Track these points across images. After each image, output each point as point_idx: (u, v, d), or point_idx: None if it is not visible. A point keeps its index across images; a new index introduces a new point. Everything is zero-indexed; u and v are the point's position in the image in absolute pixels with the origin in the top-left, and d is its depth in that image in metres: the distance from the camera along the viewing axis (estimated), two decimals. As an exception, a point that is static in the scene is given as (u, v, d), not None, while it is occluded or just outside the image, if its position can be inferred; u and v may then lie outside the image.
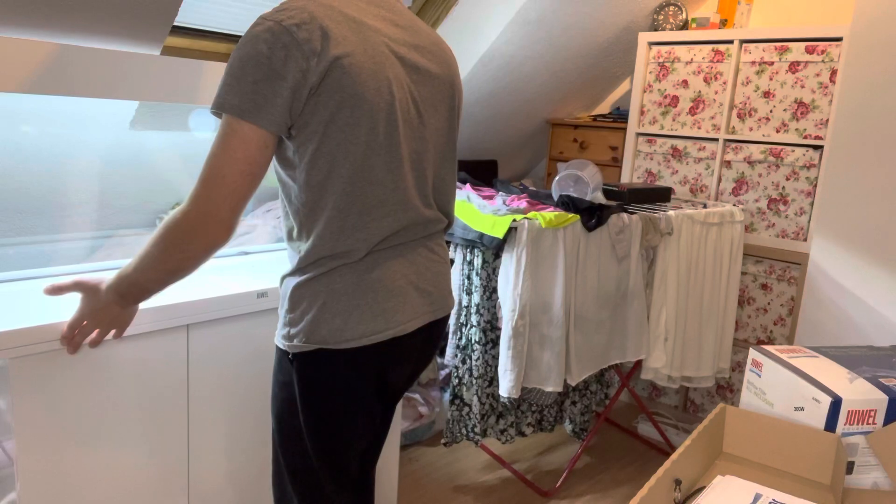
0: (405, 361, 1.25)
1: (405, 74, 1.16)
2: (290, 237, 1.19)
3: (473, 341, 2.13)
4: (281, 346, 1.20)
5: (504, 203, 2.19)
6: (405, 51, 1.17)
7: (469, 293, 2.16)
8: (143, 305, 1.40)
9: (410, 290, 1.20)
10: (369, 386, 1.21)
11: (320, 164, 1.09)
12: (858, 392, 1.00)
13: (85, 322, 1.23)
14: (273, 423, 1.27)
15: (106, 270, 1.68)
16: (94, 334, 1.26)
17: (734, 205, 2.67)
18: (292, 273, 1.18)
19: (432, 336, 1.30)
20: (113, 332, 1.28)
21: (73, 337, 1.24)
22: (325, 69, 1.04)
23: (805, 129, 2.54)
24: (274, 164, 1.15)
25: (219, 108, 1.04)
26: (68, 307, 1.36)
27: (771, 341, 2.71)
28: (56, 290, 1.20)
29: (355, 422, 1.22)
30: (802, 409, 1.03)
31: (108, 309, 1.22)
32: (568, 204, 2.14)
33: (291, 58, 1.03)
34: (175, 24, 2.05)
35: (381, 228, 1.15)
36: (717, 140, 2.76)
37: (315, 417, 1.20)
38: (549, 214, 1.99)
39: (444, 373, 2.79)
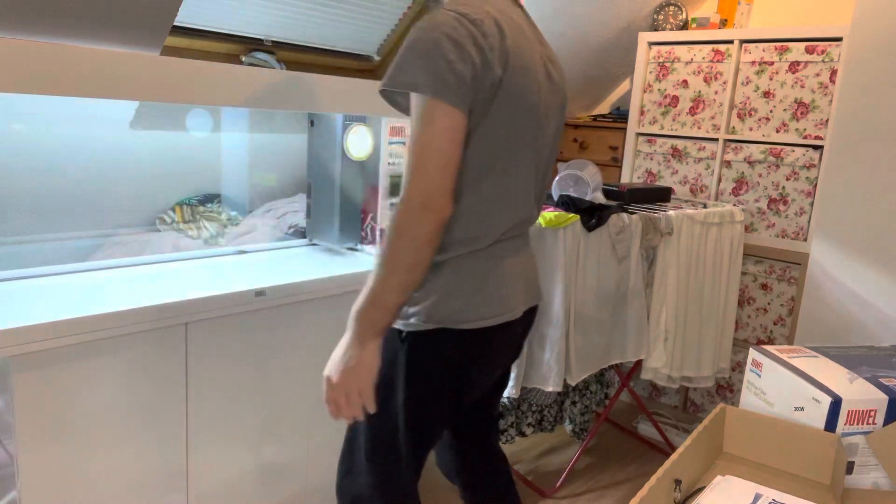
0: (509, 347, 1.33)
1: (545, 81, 1.25)
2: (461, 214, 1.21)
3: (473, 341, 2.13)
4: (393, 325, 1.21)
5: (504, 203, 2.19)
6: (545, 60, 1.27)
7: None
8: (141, 304, 1.40)
9: (521, 278, 1.28)
10: (475, 369, 1.26)
11: (478, 152, 1.15)
12: (858, 392, 1.00)
13: (335, 386, 1.13)
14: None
15: (106, 270, 1.68)
16: (346, 396, 1.13)
17: (734, 205, 2.66)
18: (465, 255, 1.21)
19: (529, 322, 1.39)
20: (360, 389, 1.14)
21: (339, 410, 1.16)
22: (502, 64, 1.12)
23: (805, 129, 2.54)
24: None
25: (412, 88, 1.06)
26: (69, 307, 1.36)
27: (771, 341, 2.71)
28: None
29: (450, 404, 1.26)
30: (802, 409, 1.03)
31: (348, 354, 1.12)
32: (568, 204, 2.14)
33: (477, 47, 1.09)
34: (175, 24, 2.05)
35: (508, 220, 1.22)
36: (717, 140, 2.76)
37: (417, 396, 1.23)
38: (549, 214, 1.99)
39: (443, 373, 2.78)
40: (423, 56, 1.07)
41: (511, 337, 1.30)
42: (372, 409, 1.14)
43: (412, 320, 1.20)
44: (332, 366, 1.12)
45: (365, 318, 1.09)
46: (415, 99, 1.08)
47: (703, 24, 2.85)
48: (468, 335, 1.21)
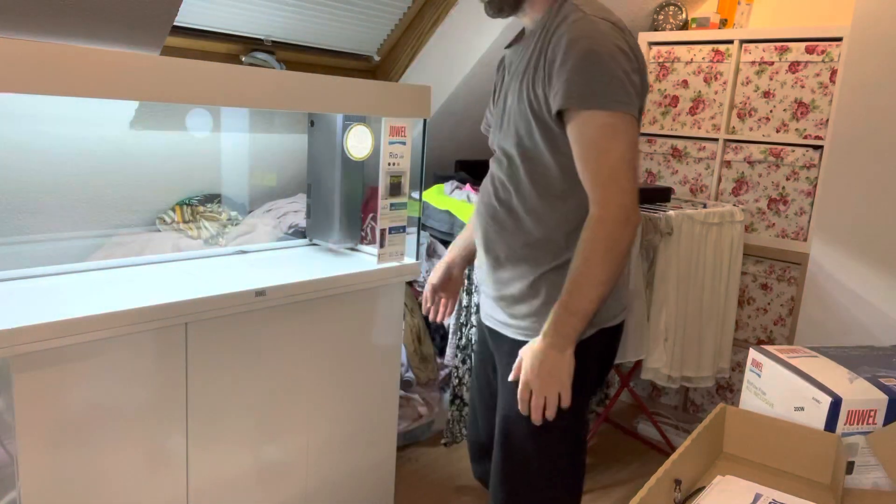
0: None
1: None
2: (540, 230, 1.26)
3: (474, 341, 2.13)
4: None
5: (504, 203, 2.19)
6: None
7: (469, 293, 2.15)
8: (141, 304, 1.40)
9: None
10: (610, 364, 1.38)
11: None
12: (858, 392, 1.00)
13: (532, 385, 1.19)
14: (523, 424, 1.29)
15: (106, 270, 1.68)
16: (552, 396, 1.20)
17: (734, 205, 2.66)
18: (555, 267, 1.27)
19: None
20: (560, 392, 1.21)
21: (538, 412, 1.22)
22: (639, 73, 1.19)
23: (805, 129, 2.54)
24: (539, 149, 1.23)
25: (603, 105, 1.10)
26: (69, 307, 1.36)
27: (771, 341, 2.71)
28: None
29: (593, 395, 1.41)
30: (802, 409, 1.03)
31: (547, 360, 1.18)
32: (568, 204, 2.14)
33: (634, 55, 1.17)
34: (175, 24, 2.05)
35: None
36: (717, 140, 2.76)
37: (582, 398, 1.29)
38: (549, 214, 1.98)
39: (443, 373, 2.78)
40: (608, 71, 1.10)
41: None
42: (567, 404, 1.20)
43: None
44: (533, 374, 1.17)
45: (567, 327, 1.15)
46: (600, 115, 1.11)
47: (703, 24, 2.85)
48: (613, 332, 1.31)
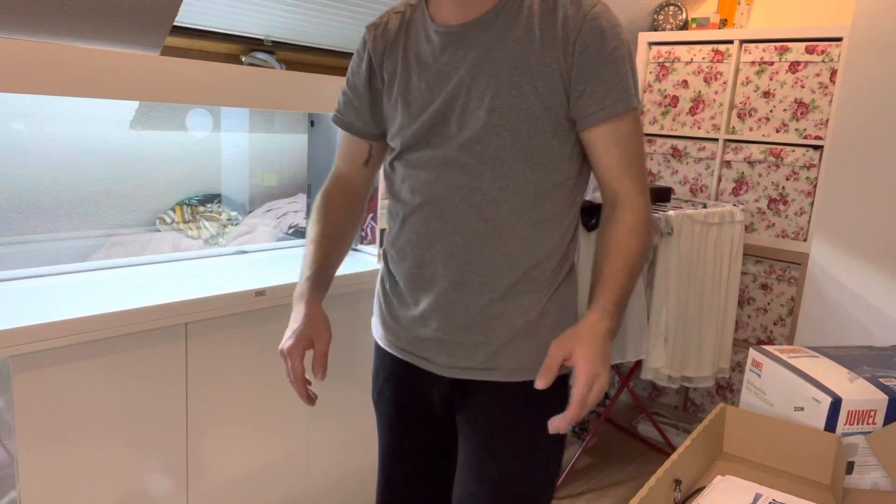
0: None
1: None
2: (543, 250, 1.09)
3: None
4: (563, 372, 1.06)
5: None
6: None
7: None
8: (141, 304, 1.40)
9: None
10: None
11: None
12: (858, 392, 1.00)
13: (599, 378, 0.92)
14: (526, 484, 1.12)
15: (106, 270, 1.68)
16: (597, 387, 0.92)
17: (734, 205, 2.66)
18: (556, 291, 1.11)
19: None
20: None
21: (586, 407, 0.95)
22: None
23: (805, 129, 2.54)
24: (550, 152, 1.06)
25: (636, 104, 1.04)
26: (69, 307, 1.36)
27: (771, 341, 2.71)
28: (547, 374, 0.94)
29: None
30: (802, 409, 1.03)
31: (607, 346, 0.96)
32: (568, 204, 2.14)
33: None
34: (175, 24, 2.05)
35: None
36: (717, 140, 2.76)
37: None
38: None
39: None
40: (631, 69, 1.04)
41: None
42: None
43: None
44: (601, 362, 0.93)
45: (616, 319, 0.98)
46: (634, 112, 1.05)
47: (703, 24, 2.85)
48: None
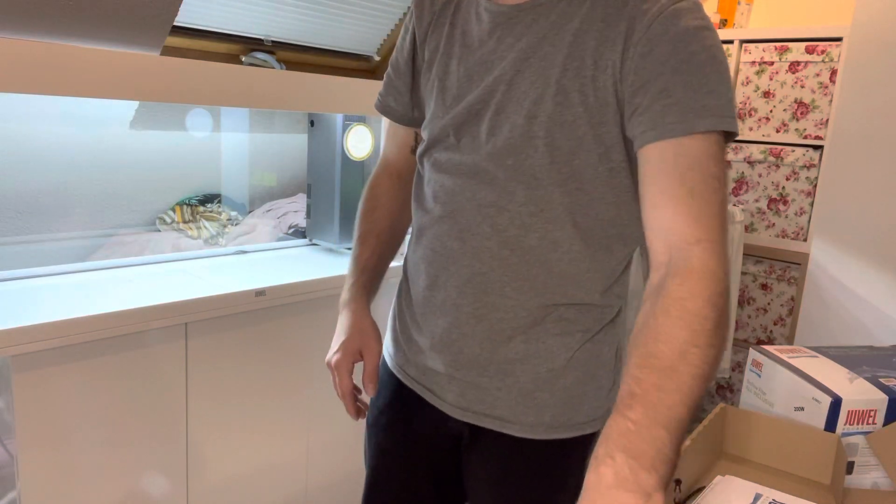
0: None
1: None
2: (580, 288, 0.90)
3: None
4: (590, 431, 0.93)
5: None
6: None
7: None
8: (141, 304, 1.40)
9: None
10: None
11: None
12: (858, 392, 1.00)
13: None
14: None
15: (106, 270, 1.68)
16: None
17: (734, 205, 2.66)
18: (595, 335, 0.93)
19: None
20: None
21: None
22: None
23: (805, 129, 2.54)
24: (596, 174, 0.85)
25: (731, 127, 0.76)
26: (69, 307, 1.36)
27: (771, 341, 2.71)
28: None
29: None
30: (802, 409, 1.03)
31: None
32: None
33: None
34: (175, 24, 2.05)
35: None
36: (717, 140, 2.76)
37: None
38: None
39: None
40: (723, 79, 0.76)
41: None
42: None
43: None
44: None
45: (654, 450, 0.62)
46: (717, 136, 0.76)
47: (703, 24, 2.84)
48: None
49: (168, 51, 2.10)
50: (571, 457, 0.94)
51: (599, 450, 0.64)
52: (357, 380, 1.05)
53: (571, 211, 0.86)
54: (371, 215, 1.10)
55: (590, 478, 0.62)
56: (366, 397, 1.07)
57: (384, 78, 1.08)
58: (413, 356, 1.03)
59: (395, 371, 1.08)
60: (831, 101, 2.47)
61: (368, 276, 1.08)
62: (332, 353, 1.02)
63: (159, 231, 2.33)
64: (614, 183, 0.86)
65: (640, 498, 0.58)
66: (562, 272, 0.89)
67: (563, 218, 0.87)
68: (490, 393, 0.94)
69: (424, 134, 0.98)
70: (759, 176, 2.66)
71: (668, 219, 0.74)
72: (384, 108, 1.09)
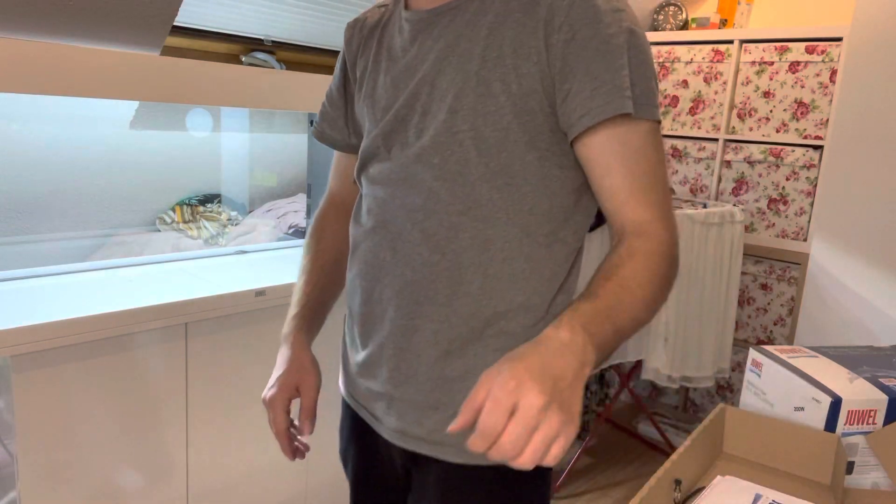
0: None
1: None
2: (518, 291, 0.86)
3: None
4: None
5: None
6: None
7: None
8: (141, 304, 1.40)
9: None
10: None
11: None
12: (858, 392, 1.00)
13: (526, 394, 0.62)
14: None
15: (106, 270, 1.68)
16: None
17: (734, 205, 2.66)
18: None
19: None
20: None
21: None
22: None
23: (805, 129, 2.54)
24: (528, 167, 0.84)
25: (654, 115, 0.81)
26: (69, 307, 1.36)
27: (771, 341, 2.71)
28: None
29: None
30: (802, 409, 1.03)
31: (570, 368, 0.65)
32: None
33: None
34: (175, 24, 2.05)
35: None
36: (717, 140, 2.76)
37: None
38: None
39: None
40: (643, 62, 0.80)
41: None
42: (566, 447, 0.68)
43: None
44: (541, 377, 0.62)
45: (599, 333, 0.70)
46: (649, 124, 0.81)
47: (703, 24, 2.85)
48: None
49: (168, 51, 2.10)
50: (521, 486, 0.89)
51: (564, 317, 0.69)
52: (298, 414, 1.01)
53: (501, 207, 0.84)
54: (315, 247, 1.08)
55: (548, 331, 0.68)
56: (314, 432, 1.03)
57: (320, 107, 1.09)
58: (356, 377, 1.00)
59: (345, 397, 1.05)
60: (831, 101, 2.47)
61: (311, 310, 1.05)
62: (268, 389, 0.97)
63: (159, 231, 2.34)
64: (544, 174, 0.84)
65: (578, 363, 0.66)
66: (497, 273, 0.85)
67: (494, 215, 0.84)
68: (425, 413, 0.89)
69: (359, 152, 0.96)
70: (759, 176, 2.66)
71: (627, 206, 0.80)
72: (320, 135, 1.09)
